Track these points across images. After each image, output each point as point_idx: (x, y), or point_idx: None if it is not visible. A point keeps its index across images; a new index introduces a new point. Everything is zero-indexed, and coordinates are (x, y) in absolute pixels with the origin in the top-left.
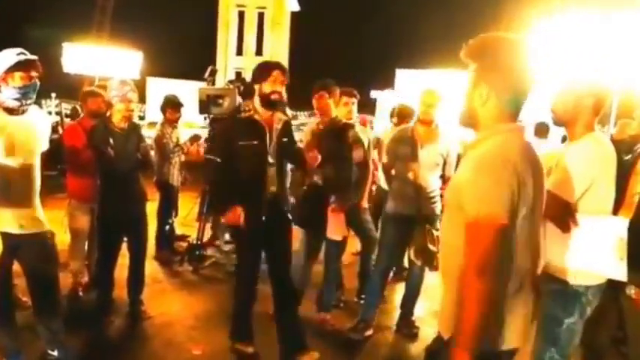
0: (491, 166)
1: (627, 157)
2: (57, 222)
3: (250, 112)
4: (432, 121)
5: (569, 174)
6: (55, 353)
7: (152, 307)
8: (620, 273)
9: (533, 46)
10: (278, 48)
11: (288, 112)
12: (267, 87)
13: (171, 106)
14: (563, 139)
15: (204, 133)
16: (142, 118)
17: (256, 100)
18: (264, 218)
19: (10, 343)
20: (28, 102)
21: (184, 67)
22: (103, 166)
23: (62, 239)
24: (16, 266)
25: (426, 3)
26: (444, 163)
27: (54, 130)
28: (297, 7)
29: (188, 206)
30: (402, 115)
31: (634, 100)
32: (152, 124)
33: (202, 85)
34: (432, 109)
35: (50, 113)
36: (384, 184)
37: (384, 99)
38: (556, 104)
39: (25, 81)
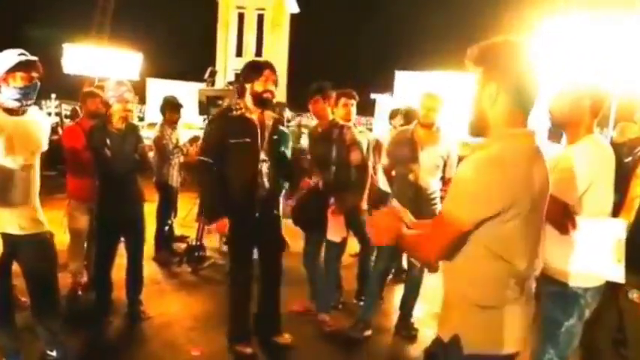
0: (485, 171)
1: (627, 160)
2: (56, 222)
3: (242, 111)
4: (432, 124)
5: (568, 176)
6: (55, 354)
7: (151, 308)
8: (618, 275)
9: (535, 47)
10: (277, 49)
11: (288, 113)
12: (258, 86)
13: (171, 107)
14: None
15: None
16: (141, 119)
17: (248, 98)
18: (257, 215)
19: (9, 344)
20: (29, 102)
21: (184, 69)
22: (100, 167)
23: (61, 239)
24: (15, 266)
25: (425, 5)
26: (444, 165)
27: (54, 130)
28: (296, 9)
29: (187, 207)
30: (408, 117)
31: (634, 103)
32: (152, 125)
33: (202, 86)
34: (433, 112)
35: (50, 114)
36: (383, 186)
37: (383, 101)
38: (553, 106)
39: (26, 81)
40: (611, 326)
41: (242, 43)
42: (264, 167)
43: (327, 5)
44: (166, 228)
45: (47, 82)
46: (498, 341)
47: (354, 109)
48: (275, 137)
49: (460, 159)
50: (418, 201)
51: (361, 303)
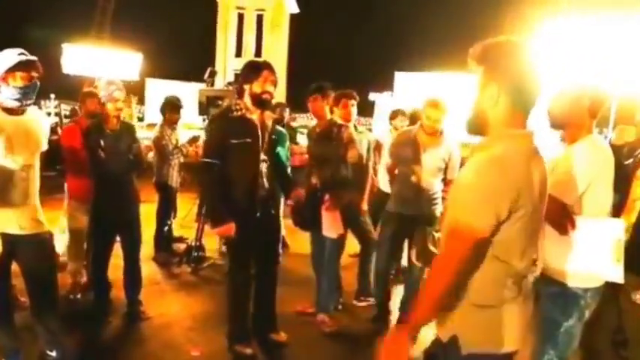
0: (488, 173)
1: (628, 162)
2: (56, 222)
3: (242, 111)
4: (437, 132)
5: (567, 176)
6: (54, 353)
7: (150, 308)
8: (618, 275)
9: (536, 48)
10: (277, 50)
11: (288, 113)
12: (257, 87)
13: (171, 107)
14: None
15: (203, 135)
16: (141, 119)
17: (247, 99)
18: (258, 214)
19: (9, 344)
20: (28, 102)
21: (184, 69)
22: (95, 167)
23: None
24: (14, 266)
25: (425, 5)
26: (446, 167)
27: (53, 130)
28: (296, 9)
29: (187, 207)
30: (414, 119)
31: (634, 105)
32: (151, 126)
33: (202, 86)
34: (438, 124)
35: (49, 114)
36: (383, 187)
37: (383, 101)
38: (553, 106)
39: (26, 81)
40: (611, 327)
41: (242, 43)
42: (264, 167)
43: (327, 5)
44: (166, 228)
45: (47, 81)
46: (497, 340)
47: (354, 110)
48: (273, 137)
49: (461, 160)
50: (419, 201)
51: (360, 304)
